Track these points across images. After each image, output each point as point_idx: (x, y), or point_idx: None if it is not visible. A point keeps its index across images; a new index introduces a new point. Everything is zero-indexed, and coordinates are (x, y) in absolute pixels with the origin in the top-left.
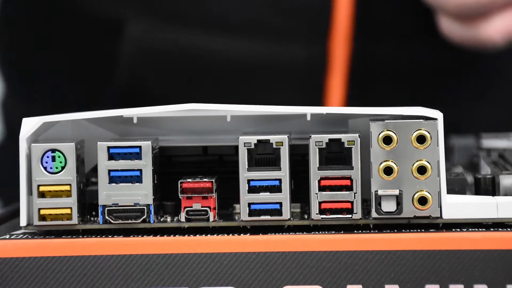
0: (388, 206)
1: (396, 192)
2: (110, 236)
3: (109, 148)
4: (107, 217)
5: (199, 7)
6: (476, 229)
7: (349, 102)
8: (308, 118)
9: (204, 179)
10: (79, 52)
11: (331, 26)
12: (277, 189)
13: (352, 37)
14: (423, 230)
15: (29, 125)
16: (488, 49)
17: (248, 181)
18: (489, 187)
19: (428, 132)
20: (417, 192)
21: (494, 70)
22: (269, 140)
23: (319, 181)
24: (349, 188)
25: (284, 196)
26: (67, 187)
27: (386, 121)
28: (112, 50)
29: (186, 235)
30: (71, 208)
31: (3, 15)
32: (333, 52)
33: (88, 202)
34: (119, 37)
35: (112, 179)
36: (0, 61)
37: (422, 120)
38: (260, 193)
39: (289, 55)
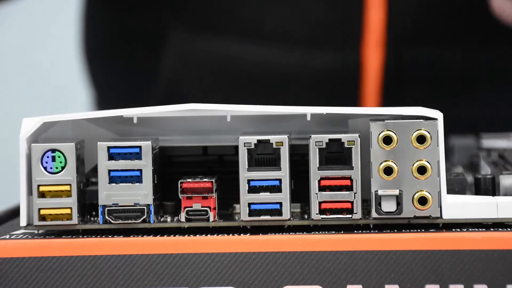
0: (388, 206)
1: (396, 192)
2: (110, 236)
3: (109, 148)
4: (107, 217)
5: (235, 17)
6: (476, 229)
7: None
8: (308, 118)
9: (204, 179)
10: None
11: (363, 33)
12: (277, 189)
13: (384, 43)
14: (423, 230)
15: (29, 125)
16: None
17: (248, 181)
18: (489, 187)
19: (428, 132)
20: (417, 192)
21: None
22: (269, 140)
23: (319, 181)
24: (349, 188)
25: (284, 196)
26: (67, 187)
27: (386, 121)
28: (156, 57)
29: (186, 235)
30: (71, 208)
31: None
32: (366, 59)
33: (88, 202)
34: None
35: (112, 179)
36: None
37: (422, 120)
38: (260, 193)
39: (322, 63)
